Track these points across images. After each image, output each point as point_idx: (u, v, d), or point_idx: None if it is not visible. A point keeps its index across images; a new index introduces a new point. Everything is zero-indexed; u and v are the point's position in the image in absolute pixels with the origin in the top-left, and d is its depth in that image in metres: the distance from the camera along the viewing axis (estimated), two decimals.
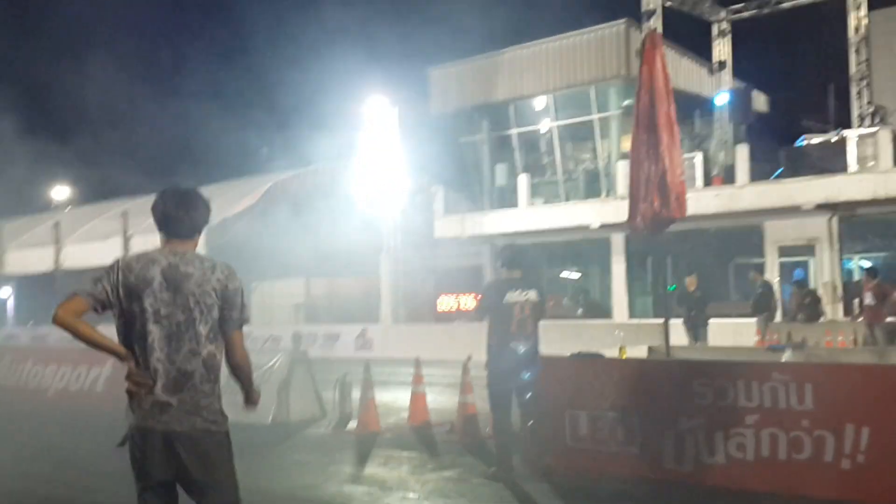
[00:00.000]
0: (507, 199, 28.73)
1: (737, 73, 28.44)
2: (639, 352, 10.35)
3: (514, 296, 7.47)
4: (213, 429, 3.72)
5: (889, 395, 6.26)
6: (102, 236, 38.09)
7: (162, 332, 3.70)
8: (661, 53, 8.65)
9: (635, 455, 7.36)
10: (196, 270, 3.79)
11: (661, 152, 8.30)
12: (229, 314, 3.81)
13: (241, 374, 3.89)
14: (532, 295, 7.54)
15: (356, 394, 11.26)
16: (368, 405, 10.61)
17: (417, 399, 11.00)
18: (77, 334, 3.65)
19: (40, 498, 7.58)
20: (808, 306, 17.80)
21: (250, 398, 3.95)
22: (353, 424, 10.79)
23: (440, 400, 11.47)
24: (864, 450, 6.26)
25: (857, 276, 22.06)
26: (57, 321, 3.62)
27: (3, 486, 7.83)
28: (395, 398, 12.41)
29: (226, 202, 35.32)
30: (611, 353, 9.11)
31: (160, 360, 3.67)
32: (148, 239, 35.77)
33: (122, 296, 3.73)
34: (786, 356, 8.53)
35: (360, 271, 32.67)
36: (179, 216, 3.88)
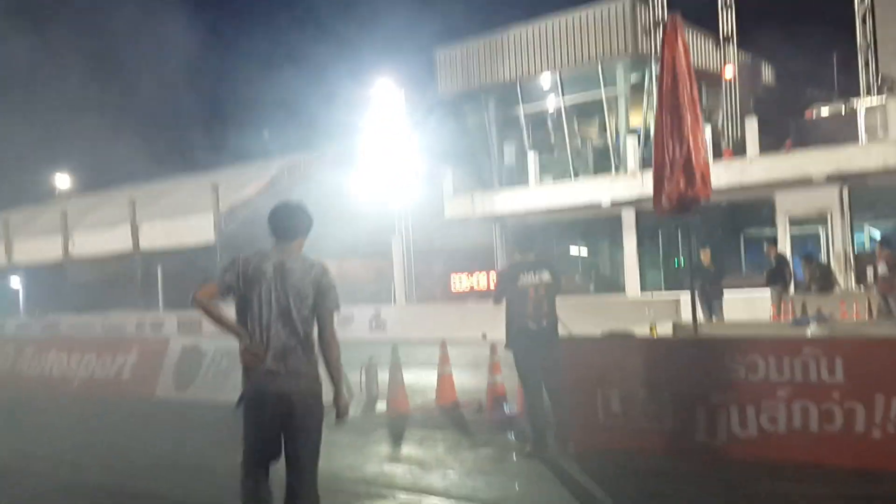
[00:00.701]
0: (515, 177, 28.87)
1: (742, 44, 28.45)
2: (663, 328, 10.50)
3: (527, 278, 7.68)
4: (312, 388, 4.70)
5: None
6: (111, 224, 38.27)
7: (272, 314, 4.65)
8: (682, 36, 8.79)
9: (668, 430, 7.55)
10: (298, 267, 4.77)
11: (685, 133, 8.45)
12: (322, 302, 4.76)
13: (330, 353, 4.76)
14: (546, 276, 7.74)
15: (381, 376, 11.52)
16: (397, 387, 10.82)
17: (445, 380, 11.19)
18: (210, 313, 4.65)
19: (93, 487, 7.79)
20: (819, 279, 17.94)
21: (338, 404, 4.76)
22: (381, 406, 11.00)
23: (462, 379, 11.64)
24: (894, 419, 6.45)
25: (868, 246, 22.24)
26: (196, 302, 4.62)
27: (59, 478, 8.08)
28: (417, 379, 12.50)
29: (234, 187, 35.48)
30: (629, 328, 9.29)
31: (271, 336, 4.63)
32: (156, 225, 36.07)
33: (241, 284, 4.69)
34: (811, 330, 8.70)
35: (369, 253, 32.86)
36: (284, 224, 4.88)
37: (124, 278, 38.62)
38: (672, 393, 7.57)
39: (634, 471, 7.10)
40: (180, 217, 35.86)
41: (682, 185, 8.47)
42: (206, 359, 13.37)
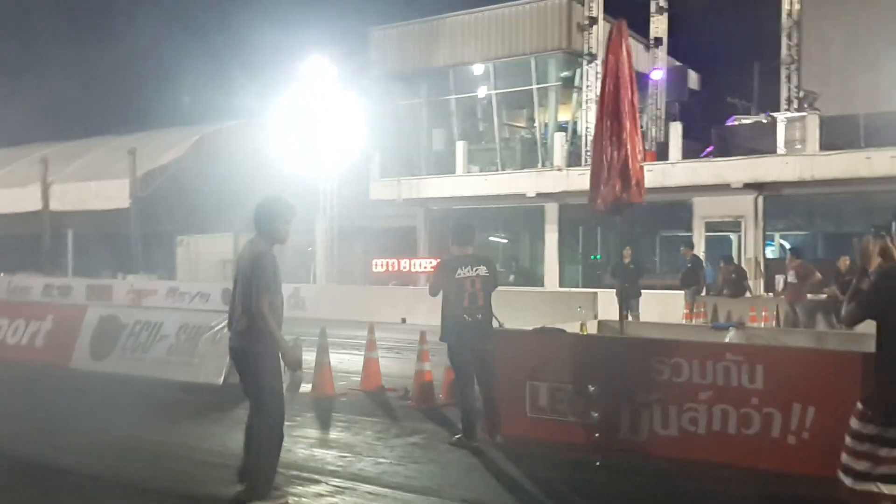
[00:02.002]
0: (443, 163, 29.00)
1: (670, 51, 29.16)
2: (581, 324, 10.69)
3: (464, 271, 7.83)
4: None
5: (833, 378, 6.79)
6: (21, 182, 36.98)
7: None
8: (626, 42, 9.00)
9: (593, 425, 7.80)
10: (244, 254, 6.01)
11: (624, 139, 8.68)
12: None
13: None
14: (482, 270, 7.91)
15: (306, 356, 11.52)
16: (324, 369, 10.84)
17: (370, 364, 11.27)
18: (268, 323, 5.89)
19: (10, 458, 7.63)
20: (734, 282, 18.60)
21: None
22: (306, 387, 11.00)
23: (383, 364, 11.70)
24: (808, 427, 6.81)
25: (778, 254, 23.13)
26: (261, 316, 5.86)
27: None
28: (338, 361, 12.51)
29: (150, 153, 34.65)
30: (554, 323, 9.48)
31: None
32: (68, 187, 34.98)
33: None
34: (729, 336, 9.07)
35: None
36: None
37: (30, 239, 37.40)
38: (599, 389, 7.82)
39: (559, 462, 7.31)
40: (95, 179, 34.88)
41: (617, 188, 8.70)
42: (126, 330, 13.13)
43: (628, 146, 8.67)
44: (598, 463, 7.11)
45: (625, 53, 8.89)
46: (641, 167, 8.89)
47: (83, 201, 34.82)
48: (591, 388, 7.73)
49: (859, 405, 4.66)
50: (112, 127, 40.31)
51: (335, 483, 6.64)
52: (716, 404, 7.23)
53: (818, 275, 16.69)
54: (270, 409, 6.01)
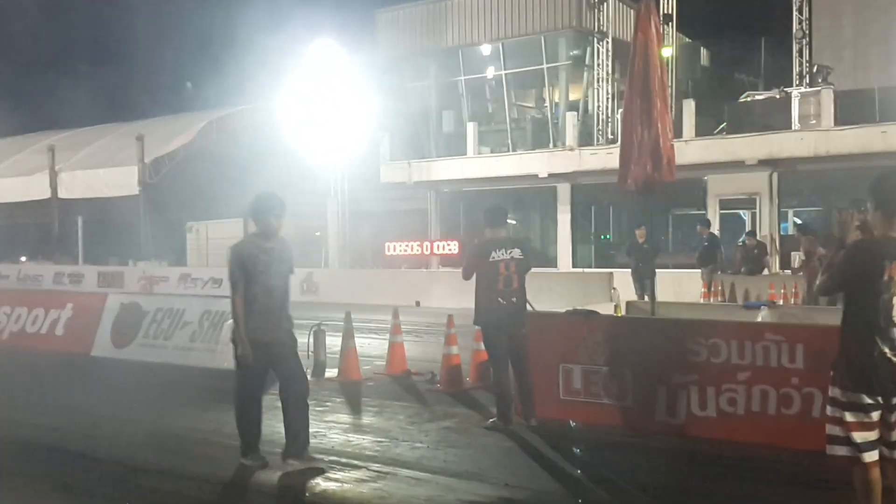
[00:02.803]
0: (453, 145, 28.87)
1: (680, 27, 28.90)
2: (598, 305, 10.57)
3: (498, 254, 7.75)
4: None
5: None
6: (28, 171, 36.92)
7: None
8: (656, 21, 8.89)
9: (629, 407, 7.76)
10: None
11: (655, 118, 8.60)
12: None
13: None
14: (516, 252, 7.83)
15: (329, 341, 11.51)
16: (349, 353, 10.82)
17: (396, 348, 11.24)
18: None
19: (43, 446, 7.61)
20: (755, 257, 18.55)
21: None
22: (331, 373, 10.97)
23: (405, 347, 11.65)
24: None
25: (792, 231, 23.04)
26: None
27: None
28: (359, 345, 12.46)
29: (158, 140, 34.54)
30: (560, 304, 9.48)
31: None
32: (76, 174, 34.95)
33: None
34: (762, 315, 9.02)
35: (299, 214, 32.43)
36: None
37: (39, 228, 37.42)
38: (634, 371, 7.77)
39: (597, 445, 7.27)
40: (103, 167, 34.81)
41: (648, 168, 8.63)
42: (147, 318, 13.11)
43: (659, 125, 8.59)
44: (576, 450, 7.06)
45: (654, 31, 8.80)
46: (672, 146, 8.82)
47: (92, 189, 34.77)
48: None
49: (831, 371, 4.77)
50: (118, 114, 40.25)
51: (375, 468, 6.61)
52: (755, 385, 7.17)
53: (821, 249, 16.55)
54: (238, 384, 6.72)
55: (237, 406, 6.72)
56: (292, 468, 6.48)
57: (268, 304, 6.47)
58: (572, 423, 7.74)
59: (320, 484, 6.25)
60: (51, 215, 36.24)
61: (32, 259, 34.82)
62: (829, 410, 4.78)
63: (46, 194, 35.77)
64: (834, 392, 4.74)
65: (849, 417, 4.61)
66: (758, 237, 20.34)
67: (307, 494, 6.04)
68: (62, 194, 35.65)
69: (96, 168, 35.01)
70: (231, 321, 6.71)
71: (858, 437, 4.58)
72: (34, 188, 36.09)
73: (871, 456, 4.58)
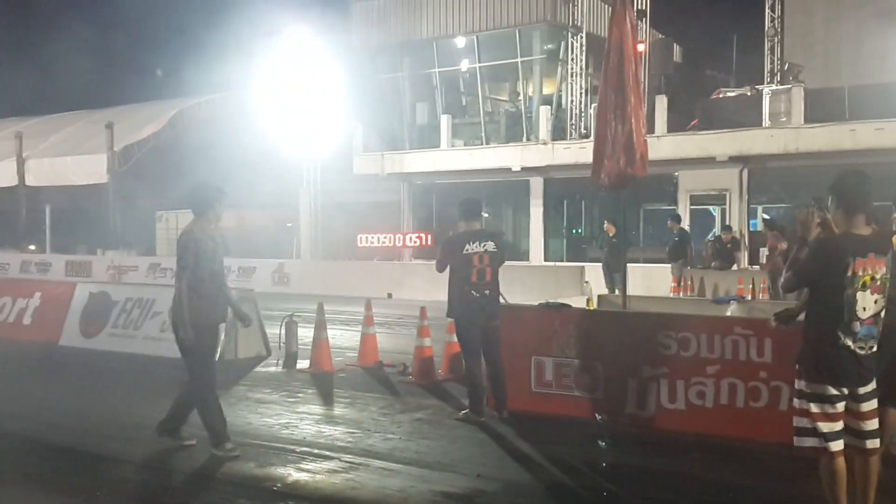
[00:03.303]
0: (427, 137, 28.86)
1: (654, 23, 29.05)
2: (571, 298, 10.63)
3: (472, 247, 7.78)
4: None
5: None
6: None
7: None
8: (630, 16, 8.95)
9: (599, 400, 7.83)
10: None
11: (629, 113, 8.66)
12: None
13: None
14: (490, 245, 7.86)
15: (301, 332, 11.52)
16: (321, 345, 10.79)
17: (368, 340, 11.23)
18: None
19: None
20: (727, 252, 18.78)
21: None
22: (303, 364, 10.96)
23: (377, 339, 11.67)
24: None
25: (759, 227, 23.28)
26: None
27: None
28: (331, 336, 12.39)
29: (128, 128, 34.19)
30: (531, 297, 9.53)
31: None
32: (44, 162, 34.56)
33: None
34: (731, 309, 9.12)
35: (270, 204, 32.28)
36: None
37: (6, 215, 36.93)
38: (604, 364, 7.84)
39: (567, 437, 7.33)
40: (71, 154, 34.42)
41: (622, 163, 8.70)
42: (117, 307, 13.00)
43: (633, 120, 8.65)
44: (602, 443, 7.09)
45: (629, 27, 8.85)
46: (645, 141, 8.88)
47: (60, 177, 34.38)
48: (598, 418, 7.69)
49: (796, 365, 4.90)
50: (88, 102, 39.76)
51: (348, 459, 6.61)
52: (724, 378, 7.26)
53: (782, 245, 16.75)
54: (197, 374, 6.83)
55: (198, 399, 6.83)
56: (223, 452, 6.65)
57: (212, 288, 6.79)
58: (598, 417, 7.64)
59: (292, 475, 6.25)
60: (18, 203, 35.80)
61: None
62: (795, 403, 4.90)
63: (14, 182, 35.33)
64: (800, 385, 4.85)
65: (814, 409, 4.72)
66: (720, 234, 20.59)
67: (279, 485, 6.03)
68: (30, 182, 35.22)
69: (65, 156, 34.61)
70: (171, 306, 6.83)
71: (825, 427, 4.69)
72: (1, 176, 35.61)
73: (837, 445, 4.71)
